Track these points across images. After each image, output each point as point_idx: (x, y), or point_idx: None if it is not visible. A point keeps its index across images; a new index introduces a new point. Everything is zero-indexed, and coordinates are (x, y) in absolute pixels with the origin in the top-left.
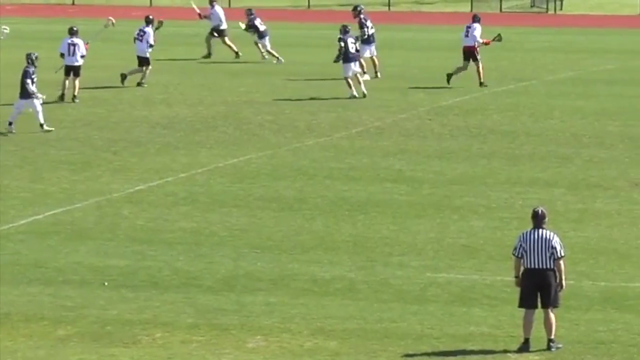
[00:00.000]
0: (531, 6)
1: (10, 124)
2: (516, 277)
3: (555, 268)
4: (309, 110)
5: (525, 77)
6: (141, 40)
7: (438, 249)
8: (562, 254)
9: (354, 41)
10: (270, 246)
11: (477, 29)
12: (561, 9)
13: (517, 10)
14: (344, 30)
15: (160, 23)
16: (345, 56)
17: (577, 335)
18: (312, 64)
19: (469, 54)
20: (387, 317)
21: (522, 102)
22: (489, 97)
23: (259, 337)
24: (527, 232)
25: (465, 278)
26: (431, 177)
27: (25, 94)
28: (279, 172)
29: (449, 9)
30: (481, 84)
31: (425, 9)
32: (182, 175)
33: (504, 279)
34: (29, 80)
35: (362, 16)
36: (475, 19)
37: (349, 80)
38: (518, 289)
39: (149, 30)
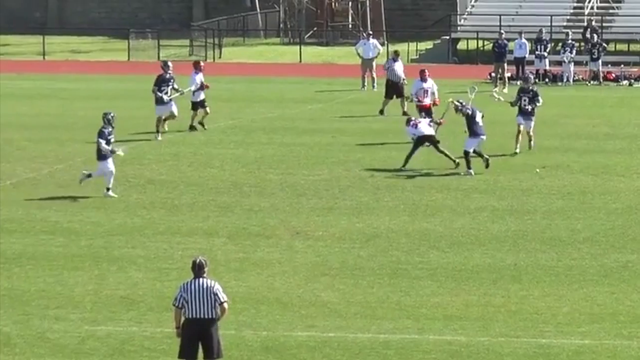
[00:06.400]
0: (190, 54)
1: (89, 175)
2: (177, 328)
3: (220, 313)
4: None
5: (184, 126)
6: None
7: (96, 301)
8: (225, 299)
9: None
10: None
11: None
12: (220, 57)
13: (176, 59)
14: None
15: None
16: None
17: None
18: None
19: None
20: None
21: (182, 152)
22: (147, 146)
23: None
24: (187, 282)
25: (124, 330)
26: (89, 229)
27: (102, 155)
28: None
29: (106, 57)
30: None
31: (81, 57)
32: None
33: (164, 331)
34: (102, 140)
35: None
36: None
37: None
38: (179, 340)
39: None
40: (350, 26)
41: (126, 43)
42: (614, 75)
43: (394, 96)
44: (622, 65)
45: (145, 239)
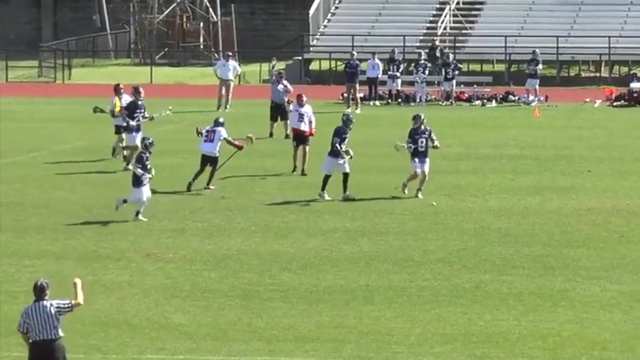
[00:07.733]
0: (38, 76)
1: (124, 200)
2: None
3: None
4: None
5: (34, 148)
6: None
7: None
8: (68, 303)
9: None
10: None
11: None
12: (70, 78)
13: (24, 80)
14: None
15: None
16: None
17: None
18: None
19: None
20: None
21: (30, 174)
22: None
23: None
24: (30, 307)
25: None
26: None
27: (137, 181)
28: None
29: None
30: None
31: None
32: None
33: (12, 355)
34: (139, 166)
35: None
36: None
37: None
38: None
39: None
40: (201, 47)
41: None
42: (466, 95)
43: (278, 118)
44: (475, 86)
45: None
